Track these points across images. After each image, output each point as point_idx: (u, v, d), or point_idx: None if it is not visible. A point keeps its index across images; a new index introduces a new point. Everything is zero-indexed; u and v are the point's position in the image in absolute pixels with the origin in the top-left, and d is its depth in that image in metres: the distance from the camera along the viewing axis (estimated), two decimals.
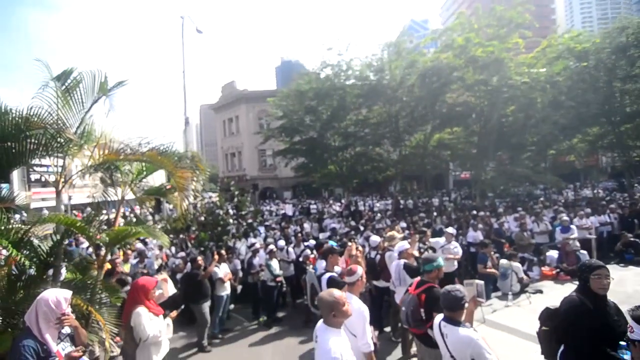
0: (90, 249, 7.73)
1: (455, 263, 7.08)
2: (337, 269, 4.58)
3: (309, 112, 17.85)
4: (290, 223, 13.06)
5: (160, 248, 9.00)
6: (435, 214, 14.28)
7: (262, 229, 11.31)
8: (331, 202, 23.23)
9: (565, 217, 9.08)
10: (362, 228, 10.59)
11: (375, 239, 6.81)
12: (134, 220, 7.47)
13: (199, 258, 6.56)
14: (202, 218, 9.40)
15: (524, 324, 5.04)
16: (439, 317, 2.85)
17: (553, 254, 8.40)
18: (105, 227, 4.31)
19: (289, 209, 21.00)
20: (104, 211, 6.39)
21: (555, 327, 2.59)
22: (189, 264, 6.70)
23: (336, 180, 18.63)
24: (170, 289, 4.53)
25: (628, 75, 16.36)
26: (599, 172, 24.87)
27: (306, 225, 12.66)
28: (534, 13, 16.24)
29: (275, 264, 7.16)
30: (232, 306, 7.49)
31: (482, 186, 17.86)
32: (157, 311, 3.59)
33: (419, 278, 3.85)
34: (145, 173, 4.86)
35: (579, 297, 2.48)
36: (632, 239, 8.81)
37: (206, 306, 6.09)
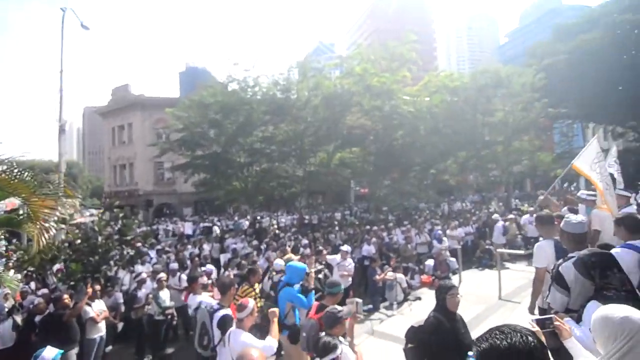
0: None
1: (350, 279, 7.53)
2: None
3: (213, 126, 17.12)
4: (188, 244, 12.12)
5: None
6: (337, 228, 15.10)
7: (153, 254, 10.22)
8: (236, 218, 22.45)
9: (439, 230, 10.56)
10: (263, 248, 10.45)
11: (279, 262, 6.76)
12: None
13: (65, 296, 5.53)
14: (76, 243, 8.02)
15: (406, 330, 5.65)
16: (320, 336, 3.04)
17: (430, 262, 9.61)
18: None
19: (188, 228, 19.49)
20: None
21: (420, 343, 2.91)
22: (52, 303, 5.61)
23: (241, 197, 18.11)
24: None
25: (487, 110, 20.29)
26: (467, 188, 29.72)
27: (206, 247, 11.90)
28: (419, 51, 18.86)
29: (164, 294, 6.50)
30: (109, 348, 6.49)
31: (377, 201, 19.69)
32: None
33: (317, 302, 3.95)
34: None
35: (436, 316, 2.85)
36: (487, 247, 10.72)
37: (73, 354, 5.15)
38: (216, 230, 18.26)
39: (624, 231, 3.20)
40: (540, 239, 3.95)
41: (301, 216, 20.08)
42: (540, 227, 3.96)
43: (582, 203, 6.64)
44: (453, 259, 9.35)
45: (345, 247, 8.02)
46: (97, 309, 5.79)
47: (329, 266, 7.41)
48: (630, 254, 2.96)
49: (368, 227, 13.19)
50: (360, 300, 3.58)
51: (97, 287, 6.14)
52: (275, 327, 3.51)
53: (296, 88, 17.37)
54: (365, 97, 16.81)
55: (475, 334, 3.02)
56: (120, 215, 9.04)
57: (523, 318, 5.14)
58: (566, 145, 29.80)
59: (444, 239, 10.31)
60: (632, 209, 4.87)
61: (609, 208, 4.54)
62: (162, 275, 6.82)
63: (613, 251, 3.23)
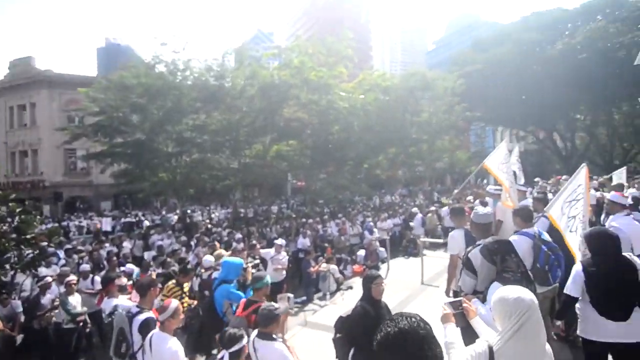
0: None
1: (284, 272, 7.53)
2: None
3: (136, 111, 15.55)
4: (106, 242, 10.95)
5: None
6: (272, 221, 14.97)
7: (62, 254, 9.00)
8: (164, 212, 20.91)
9: (370, 222, 11.13)
10: (193, 243, 9.91)
11: (209, 258, 6.46)
12: None
13: None
14: None
15: None
16: (253, 334, 2.95)
17: (362, 253, 10.09)
18: None
19: (106, 224, 17.56)
20: None
21: (347, 333, 3.02)
22: None
23: (169, 190, 16.85)
24: None
25: (415, 111, 21.87)
26: (396, 182, 31.80)
27: (126, 244, 10.87)
28: (355, 49, 19.42)
29: (74, 299, 5.78)
30: None
31: (313, 194, 20.00)
32: None
33: (245, 299, 3.84)
34: None
35: (362, 305, 2.97)
36: (412, 237, 11.60)
37: None
38: (146, 225, 16.71)
39: (520, 220, 3.73)
40: (451, 232, 4.38)
41: (236, 210, 19.47)
42: (453, 217, 4.38)
43: (489, 197, 7.56)
44: (382, 249, 9.93)
45: (280, 241, 7.98)
46: None
47: (263, 260, 7.31)
48: (524, 239, 3.48)
49: (304, 220, 13.32)
50: (291, 295, 3.55)
51: None
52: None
53: (231, 76, 16.68)
54: (303, 91, 16.82)
55: None
56: (18, 210, 7.74)
57: (441, 300, 5.72)
58: (479, 145, 33.70)
59: (375, 230, 10.89)
60: (528, 202, 5.67)
61: (513, 203, 5.20)
62: (72, 278, 6.06)
63: (511, 238, 3.75)
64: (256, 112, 16.83)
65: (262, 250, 7.66)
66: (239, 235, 10.61)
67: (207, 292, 5.38)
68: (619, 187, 6.16)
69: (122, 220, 18.84)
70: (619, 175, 7.42)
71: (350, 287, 8.19)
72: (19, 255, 7.13)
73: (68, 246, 9.97)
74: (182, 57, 15.90)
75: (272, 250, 7.70)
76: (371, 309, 2.97)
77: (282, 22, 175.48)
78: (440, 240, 9.70)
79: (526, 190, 6.25)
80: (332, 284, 7.81)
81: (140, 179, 16.26)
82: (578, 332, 3.07)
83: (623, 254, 2.83)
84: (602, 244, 2.84)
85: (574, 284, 2.89)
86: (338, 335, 3.12)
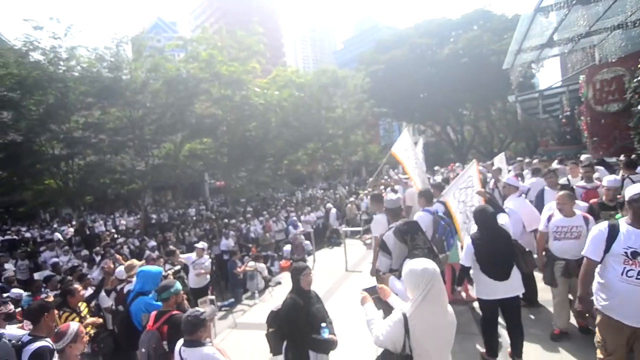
0: None
1: (207, 276, 7.19)
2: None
3: (7, 107, 12.93)
4: None
5: None
6: (191, 225, 14.07)
7: None
8: (55, 225, 17.84)
9: (294, 217, 11.32)
10: (98, 258, 8.76)
11: (121, 270, 5.76)
12: None
13: None
14: None
15: None
16: (179, 344, 2.79)
17: (287, 247, 10.21)
18: None
19: None
20: None
21: (279, 326, 3.06)
22: None
23: (60, 199, 14.44)
24: None
25: (329, 107, 22.76)
26: (317, 176, 32.82)
27: (8, 266, 9.04)
28: (267, 45, 19.23)
29: None
30: None
31: (234, 193, 19.38)
32: None
33: (155, 312, 3.56)
34: None
35: (292, 297, 3.02)
36: (335, 228, 12.16)
37: None
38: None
39: (424, 201, 4.59)
40: (374, 215, 4.82)
41: (146, 216, 17.71)
42: (374, 203, 4.84)
43: (400, 185, 8.40)
44: (307, 242, 10.19)
45: (201, 244, 7.57)
46: None
47: (185, 267, 6.87)
48: (427, 215, 4.33)
49: (226, 220, 12.85)
50: (213, 297, 3.38)
51: None
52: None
53: (129, 67, 14.99)
54: (215, 86, 16.10)
55: (328, 305, 3.42)
56: None
57: (364, 283, 6.17)
58: (388, 139, 36.78)
59: (299, 224, 11.12)
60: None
61: (416, 185, 5.87)
62: None
63: (416, 214, 4.34)
64: (162, 107, 15.50)
65: (182, 256, 7.18)
66: (152, 243, 9.75)
67: (121, 307, 4.83)
68: (498, 171, 7.46)
69: (1, 238, 15.43)
70: (500, 159, 8.92)
71: (279, 283, 8.23)
72: None
73: None
74: (65, 45, 13.68)
75: (193, 255, 7.27)
76: (301, 300, 3.00)
77: (185, 12, 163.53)
78: (360, 229, 10.38)
79: (430, 177, 7.12)
80: (260, 282, 7.74)
81: (20, 188, 13.59)
82: (474, 294, 3.70)
83: (499, 224, 3.48)
84: (484, 218, 3.45)
85: (466, 256, 3.51)
86: (270, 329, 3.13)
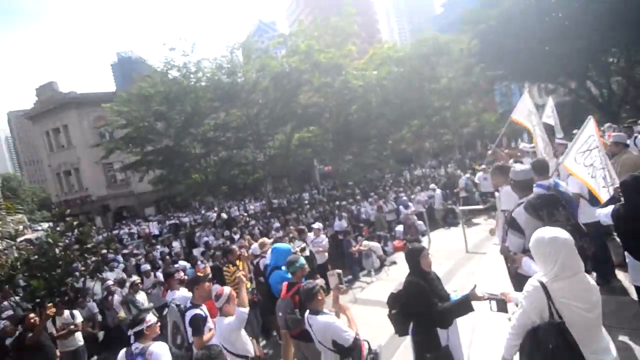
0: None
1: (326, 254, 7.78)
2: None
3: (159, 118, 16.16)
4: (156, 244, 11.70)
5: None
6: (307, 208, 15.29)
7: (120, 258, 9.77)
8: (203, 211, 21.79)
9: (404, 197, 11.12)
10: (237, 237, 10.39)
11: (256, 246, 6.79)
12: None
13: (31, 315, 5.20)
14: (32, 259, 7.45)
15: (386, 295, 6.00)
16: (307, 313, 3.10)
17: (400, 228, 10.13)
18: None
19: (154, 228, 18.65)
20: None
21: (402, 307, 3.08)
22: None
23: (204, 189, 17.56)
24: None
25: (432, 78, 21.09)
26: (424, 154, 31.17)
27: (175, 244, 11.57)
28: (361, 24, 18.91)
29: (141, 297, 6.33)
30: (94, 359, 6.27)
31: (341, 177, 20.10)
32: None
33: (287, 282, 4.02)
34: None
35: (415, 280, 2.92)
36: (450, 207, 11.50)
37: None
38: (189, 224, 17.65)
39: (535, 174, 3.64)
40: (496, 192, 4.27)
41: (269, 201, 20.00)
42: (497, 176, 4.10)
43: (524, 156, 7.36)
44: (420, 222, 9.94)
45: (317, 225, 8.21)
46: (66, 321, 5.53)
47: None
48: (540, 190, 3.42)
49: (337, 203, 13.50)
50: (340, 271, 3.55)
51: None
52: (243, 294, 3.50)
53: (242, 70, 16.79)
54: (315, 75, 16.72)
55: (449, 287, 3.30)
56: (75, 223, 8.45)
57: (489, 267, 5.68)
58: (507, 105, 32.02)
59: (410, 204, 10.89)
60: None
61: (546, 153, 5.08)
62: (135, 278, 6.63)
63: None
64: (272, 102, 16.97)
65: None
66: (277, 224, 11.00)
67: (261, 279, 5.70)
68: None
69: (167, 223, 19.93)
70: None
71: (394, 262, 8.30)
72: (84, 263, 7.85)
73: (125, 251, 10.82)
74: (192, 59, 16.19)
75: (311, 235, 7.95)
76: (423, 281, 2.90)
77: (281, 10, 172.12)
78: (480, 207, 9.55)
79: (566, 144, 6.03)
80: (375, 261, 7.97)
81: (175, 183, 17.03)
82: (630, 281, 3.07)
83: None
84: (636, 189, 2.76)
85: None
86: (393, 311, 3.18)
